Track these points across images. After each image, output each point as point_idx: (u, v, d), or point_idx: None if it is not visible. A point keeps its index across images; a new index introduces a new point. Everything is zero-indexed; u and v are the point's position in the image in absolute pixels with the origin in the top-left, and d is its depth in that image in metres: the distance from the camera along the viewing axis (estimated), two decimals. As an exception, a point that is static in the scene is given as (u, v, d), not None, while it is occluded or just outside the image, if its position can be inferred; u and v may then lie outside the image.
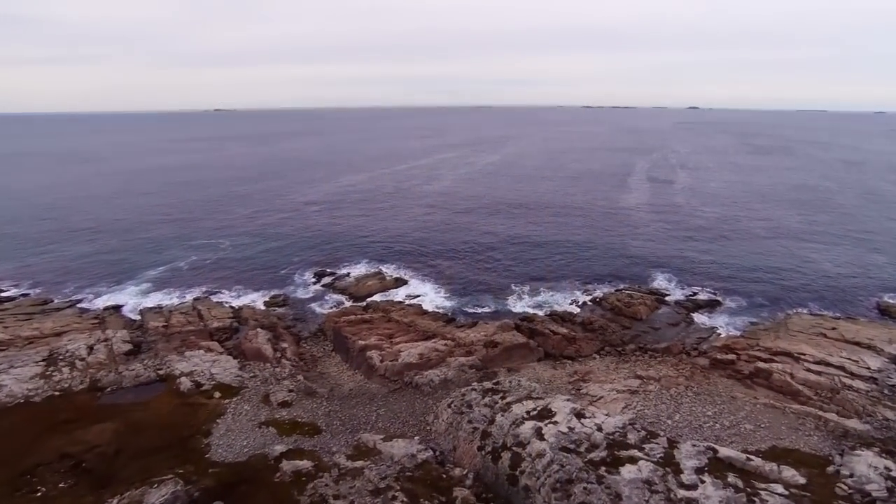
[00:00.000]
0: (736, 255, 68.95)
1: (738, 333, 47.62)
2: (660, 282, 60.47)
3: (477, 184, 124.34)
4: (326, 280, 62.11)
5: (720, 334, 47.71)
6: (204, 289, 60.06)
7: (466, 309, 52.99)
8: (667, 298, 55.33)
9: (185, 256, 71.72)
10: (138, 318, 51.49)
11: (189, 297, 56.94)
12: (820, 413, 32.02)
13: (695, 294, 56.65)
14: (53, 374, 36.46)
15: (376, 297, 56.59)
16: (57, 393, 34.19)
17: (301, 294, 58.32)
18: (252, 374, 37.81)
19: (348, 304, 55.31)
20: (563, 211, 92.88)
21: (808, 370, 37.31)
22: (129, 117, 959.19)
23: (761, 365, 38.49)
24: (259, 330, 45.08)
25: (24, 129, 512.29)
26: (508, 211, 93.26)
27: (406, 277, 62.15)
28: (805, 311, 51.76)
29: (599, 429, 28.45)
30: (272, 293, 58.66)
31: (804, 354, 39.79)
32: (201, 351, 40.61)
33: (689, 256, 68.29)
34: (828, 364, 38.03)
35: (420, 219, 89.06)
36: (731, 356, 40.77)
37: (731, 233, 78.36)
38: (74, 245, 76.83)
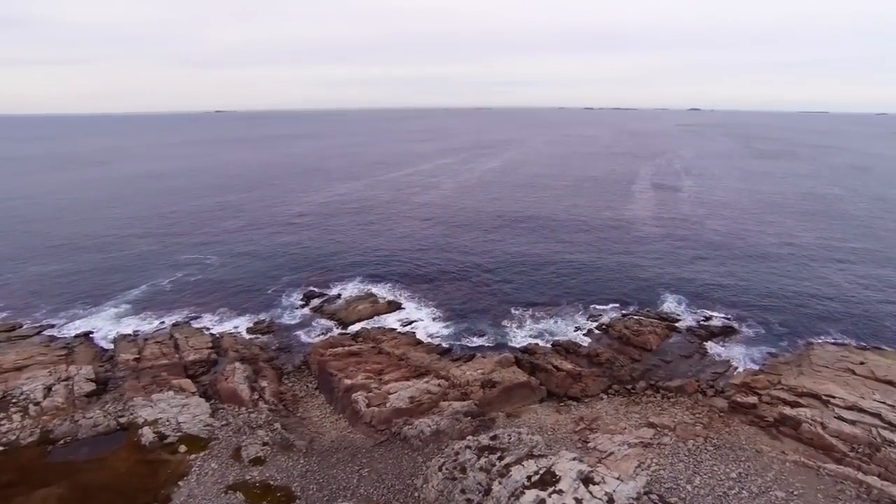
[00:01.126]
0: (748, 274, 65.22)
1: (757, 368, 43.96)
2: (669, 305, 56.80)
3: (477, 193, 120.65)
4: (315, 302, 58.47)
5: (737, 368, 44.06)
6: (185, 312, 56.51)
7: (463, 338, 49.31)
8: (678, 325, 51.62)
9: (169, 274, 68.18)
10: (111, 346, 48.02)
11: (168, 323, 53.37)
12: (860, 476, 28.34)
13: (707, 320, 52.94)
14: (2, 423, 32.88)
15: (367, 324, 52.93)
16: (1, 448, 30.59)
17: (287, 319, 54.69)
18: (224, 422, 34.18)
19: (337, 331, 51.66)
20: (565, 225, 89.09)
21: (840, 418, 33.60)
22: (129, 119, 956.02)
23: (787, 411, 34.80)
24: (237, 365, 41.45)
25: (21, 131, 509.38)
26: (509, 225, 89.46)
27: (400, 300, 58.47)
28: (828, 340, 48.04)
29: (611, 500, 24.89)
30: (257, 318, 55.07)
31: (833, 397, 36.09)
32: (171, 392, 36.94)
33: (700, 276, 64.58)
34: (861, 410, 34.31)
35: (417, 233, 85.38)
36: (753, 398, 37.10)
37: (743, 249, 74.62)
38: (54, 261, 73.22)
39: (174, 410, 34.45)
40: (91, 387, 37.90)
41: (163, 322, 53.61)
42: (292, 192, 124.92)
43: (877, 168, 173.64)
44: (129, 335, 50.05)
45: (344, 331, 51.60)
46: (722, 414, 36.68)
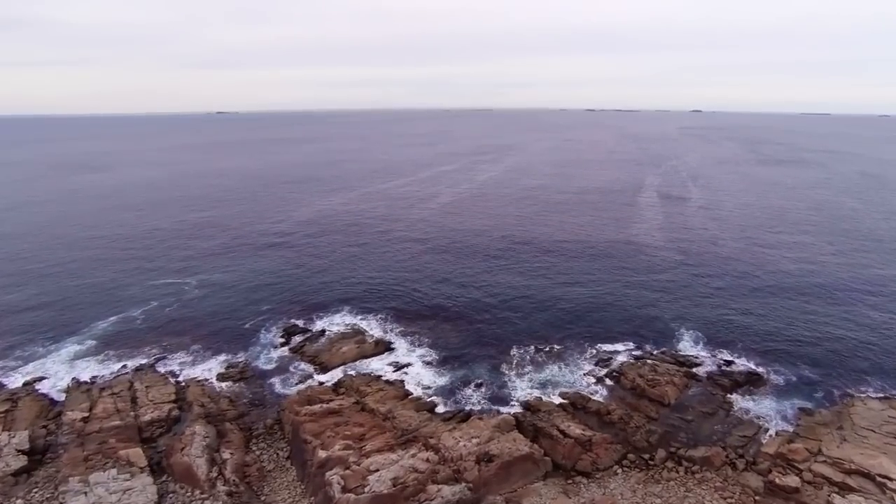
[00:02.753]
0: (769, 303, 59.88)
1: (791, 429, 38.65)
2: (686, 343, 51.56)
3: (476, 208, 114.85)
4: (296, 340, 53.23)
5: (768, 430, 38.72)
6: (154, 351, 51.43)
7: (458, 390, 43.91)
8: (697, 370, 46.32)
9: (143, 302, 63.05)
10: (62, 397, 42.88)
11: (132, 366, 48.22)
12: None
13: (729, 364, 47.59)
14: None
15: (352, 367, 47.69)
16: None
17: (263, 362, 49.40)
18: (171, 515, 28.97)
19: (317, 377, 46.44)
20: (570, 248, 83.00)
21: (903, 512, 28.35)
22: (130, 119, 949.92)
23: (837, 501, 29.50)
24: (197, 429, 36.16)
25: (16, 133, 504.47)
26: (510, 249, 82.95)
27: (389, 338, 53.17)
28: (869, 393, 42.69)
29: None
30: (231, 359, 49.88)
31: (890, 479, 30.77)
32: (114, 471, 31.70)
33: (716, 308, 59.21)
34: (925, 499, 29.06)
35: (412, 258, 79.63)
36: (793, 479, 31.76)
37: (761, 276, 69.12)
38: (20, 287, 68.03)
39: (112, 499, 29.20)
40: (21, 462, 32.68)
41: (125, 366, 48.38)
42: (283, 205, 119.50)
43: (889, 176, 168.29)
44: (85, 383, 44.90)
45: (325, 377, 46.32)
46: (758, 498, 31.41)
